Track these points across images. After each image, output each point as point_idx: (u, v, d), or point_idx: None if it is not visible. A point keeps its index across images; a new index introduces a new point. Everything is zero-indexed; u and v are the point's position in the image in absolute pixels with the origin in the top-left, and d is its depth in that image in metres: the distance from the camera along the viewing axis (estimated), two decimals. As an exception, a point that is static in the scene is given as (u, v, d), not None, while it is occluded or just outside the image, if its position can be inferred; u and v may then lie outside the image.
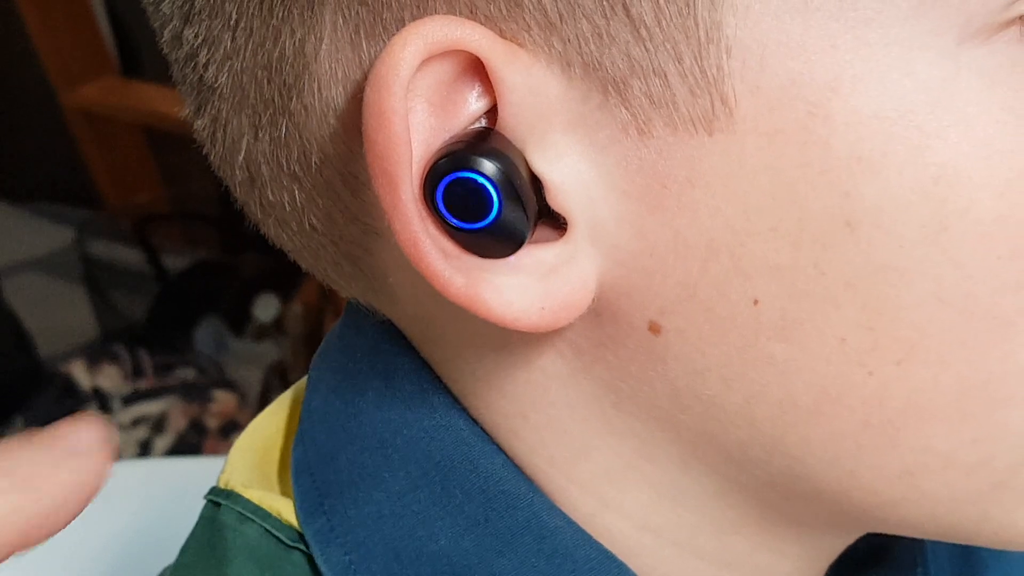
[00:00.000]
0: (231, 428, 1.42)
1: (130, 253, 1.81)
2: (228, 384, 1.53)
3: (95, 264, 1.79)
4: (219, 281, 1.73)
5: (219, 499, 0.32)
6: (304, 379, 0.34)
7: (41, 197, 2.14)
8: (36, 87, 1.86)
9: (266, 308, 1.60)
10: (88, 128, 1.86)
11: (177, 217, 1.90)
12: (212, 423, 1.42)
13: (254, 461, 0.34)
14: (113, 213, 1.90)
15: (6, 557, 0.18)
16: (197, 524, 0.33)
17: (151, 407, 1.43)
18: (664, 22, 0.22)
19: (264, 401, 1.47)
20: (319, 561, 0.30)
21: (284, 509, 0.31)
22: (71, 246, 1.86)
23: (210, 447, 1.38)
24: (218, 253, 1.82)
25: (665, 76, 0.22)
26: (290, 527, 0.31)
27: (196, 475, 0.72)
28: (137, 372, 1.50)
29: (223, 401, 1.46)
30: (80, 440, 0.20)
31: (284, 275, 1.59)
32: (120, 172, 1.92)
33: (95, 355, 1.53)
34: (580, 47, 0.22)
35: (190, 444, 1.39)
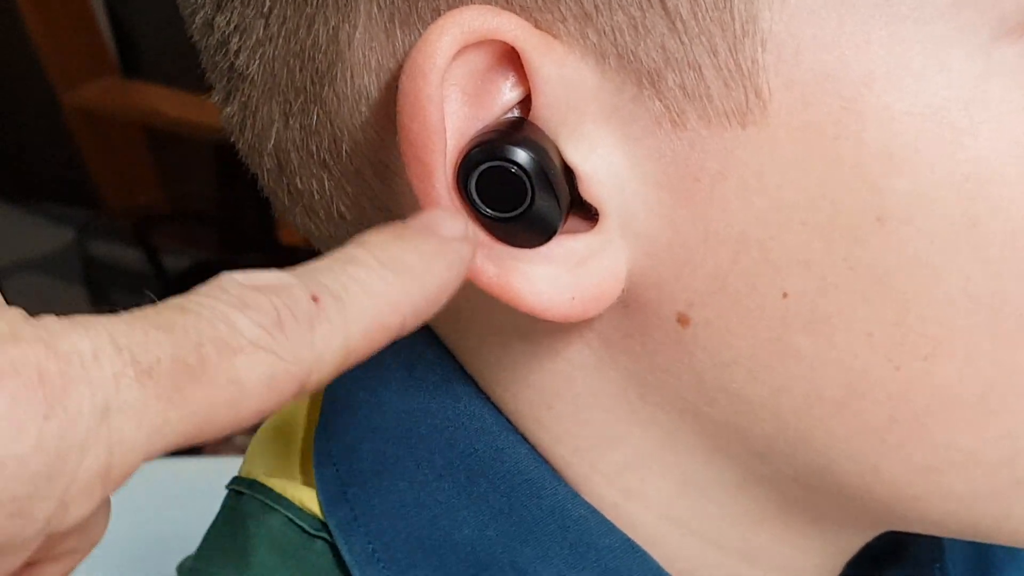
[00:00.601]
0: (231, 428, 1.41)
1: (130, 253, 1.81)
2: (227, 385, 1.52)
3: (95, 264, 1.79)
4: (219, 281, 1.72)
5: (242, 488, 0.32)
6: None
7: (41, 197, 2.14)
8: (36, 87, 1.86)
9: (266, 309, 1.59)
10: (88, 128, 1.86)
11: (177, 217, 1.90)
12: (212, 423, 1.41)
13: (276, 451, 0.34)
14: (113, 213, 1.90)
15: (389, 341, 0.19)
16: (219, 513, 0.33)
17: (150, 407, 1.43)
18: (700, 15, 0.22)
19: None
20: (343, 550, 0.30)
21: (307, 498, 0.31)
22: (71, 246, 1.86)
23: (210, 447, 1.38)
24: (218, 253, 1.82)
25: (700, 69, 0.22)
26: (313, 516, 0.31)
27: (196, 475, 0.72)
28: (136, 372, 1.49)
29: (223, 401, 1.45)
30: (452, 231, 0.21)
31: (284, 276, 1.59)
32: (120, 172, 1.92)
33: (94, 355, 1.52)
34: (615, 39, 0.22)
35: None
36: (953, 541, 0.36)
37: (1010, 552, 0.38)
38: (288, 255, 1.63)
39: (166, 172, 1.95)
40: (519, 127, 0.23)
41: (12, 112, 2.07)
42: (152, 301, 0.17)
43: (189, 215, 1.89)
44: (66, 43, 1.79)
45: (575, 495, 0.29)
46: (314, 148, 0.26)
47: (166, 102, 1.72)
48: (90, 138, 1.87)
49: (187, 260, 1.81)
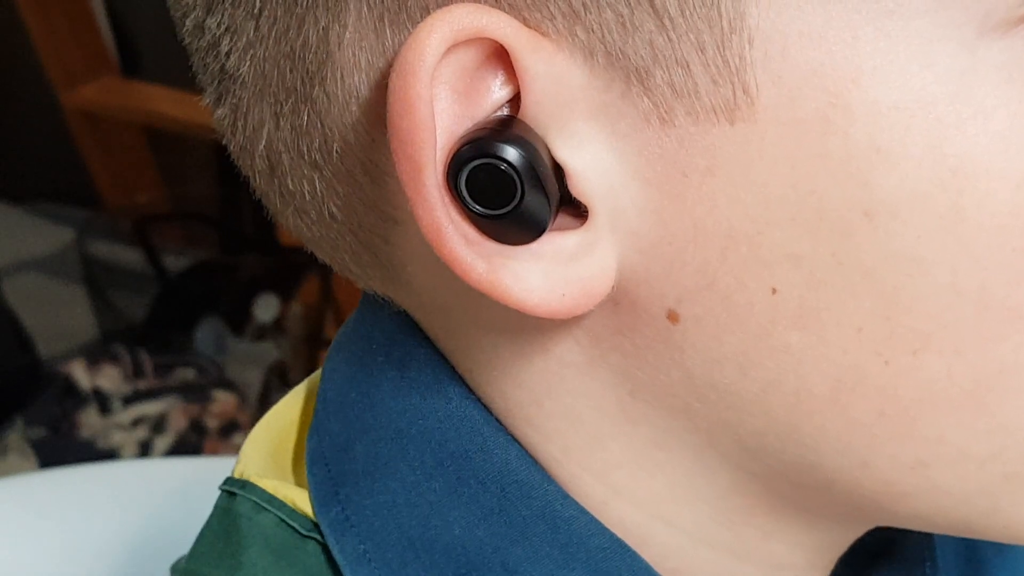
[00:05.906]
0: (231, 428, 1.42)
1: (130, 253, 1.81)
2: (228, 384, 1.53)
3: (95, 264, 1.79)
4: (219, 281, 1.73)
5: (234, 489, 0.32)
6: (319, 371, 0.34)
7: (41, 197, 2.14)
8: (36, 87, 1.86)
9: (266, 308, 1.60)
10: (88, 128, 1.86)
11: (177, 217, 1.90)
12: (212, 423, 1.42)
13: (269, 451, 0.34)
14: (113, 213, 1.90)
15: None
16: (212, 514, 0.33)
17: (151, 407, 1.43)
18: (688, 12, 0.22)
19: (264, 401, 1.47)
20: (334, 550, 0.30)
21: (299, 499, 0.31)
22: (71, 246, 1.86)
23: (210, 447, 1.38)
24: (218, 253, 1.82)
25: (687, 65, 0.22)
26: (305, 516, 0.31)
27: (196, 475, 0.72)
28: (137, 372, 1.50)
29: (223, 401, 1.46)
30: None
31: (284, 275, 1.60)
32: (120, 172, 1.92)
33: (95, 355, 1.53)
34: (603, 36, 0.22)
35: (190, 444, 1.38)
36: (944, 537, 0.36)
37: (999, 548, 0.39)
38: (287, 255, 1.64)
39: (166, 172, 1.95)
40: (509, 125, 0.23)
41: (12, 112, 2.08)
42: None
43: (189, 215, 1.89)
44: (66, 43, 1.79)
45: (565, 495, 0.29)
46: (305, 149, 0.26)
47: (166, 102, 1.72)
48: (90, 138, 1.87)
49: (187, 260, 1.81)
